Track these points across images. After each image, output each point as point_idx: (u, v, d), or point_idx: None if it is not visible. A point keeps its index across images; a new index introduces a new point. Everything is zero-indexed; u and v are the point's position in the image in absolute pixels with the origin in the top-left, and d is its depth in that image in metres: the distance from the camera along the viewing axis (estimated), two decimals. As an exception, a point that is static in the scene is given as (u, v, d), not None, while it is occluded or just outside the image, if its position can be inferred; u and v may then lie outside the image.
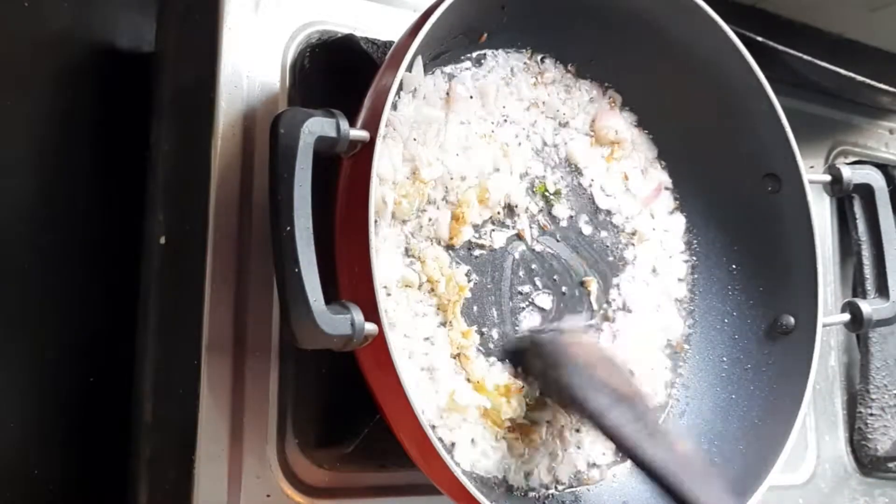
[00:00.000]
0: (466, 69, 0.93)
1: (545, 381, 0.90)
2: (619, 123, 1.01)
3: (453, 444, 0.86)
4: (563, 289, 0.96)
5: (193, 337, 0.83)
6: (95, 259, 0.94)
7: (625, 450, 0.85)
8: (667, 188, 1.04)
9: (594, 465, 0.96)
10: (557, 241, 0.96)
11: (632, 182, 1.02)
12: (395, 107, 0.87)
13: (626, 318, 1.00)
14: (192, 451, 0.81)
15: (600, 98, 1.01)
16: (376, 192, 0.79)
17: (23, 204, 0.91)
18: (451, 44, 0.90)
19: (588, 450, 0.95)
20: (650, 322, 1.01)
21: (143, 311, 0.91)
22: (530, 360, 0.90)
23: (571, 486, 0.94)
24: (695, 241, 1.05)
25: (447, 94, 0.91)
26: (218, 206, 0.84)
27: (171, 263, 0.89)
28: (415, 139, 0.87)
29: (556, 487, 0.93)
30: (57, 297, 0.92)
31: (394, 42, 0.83)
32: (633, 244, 1.01)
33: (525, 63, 0.97)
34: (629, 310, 1.00)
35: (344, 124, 0.75)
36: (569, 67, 1.00)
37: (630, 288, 1.00)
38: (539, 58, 0.98)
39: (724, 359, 1.02)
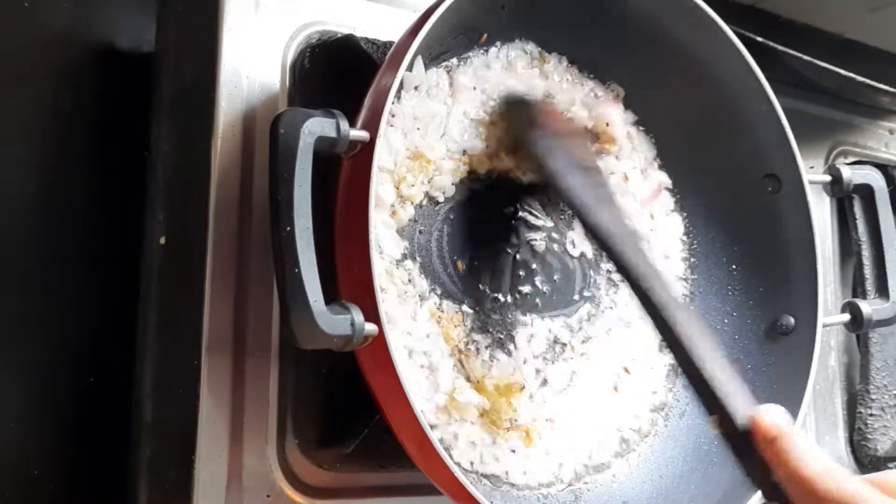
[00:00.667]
0: (467, 65, 0.93)
1: (516, 137, 0.92)
2: (614, 115, 1.01)
3: (453, 444, 0.86)
4: (564, 289, 0.96)
5: (193, 337, 0.83)
6: (95, 259, 0.94)
7: (576, 211, 0.88)
8: (666, 188, 1.04)
9: (594, 464, 0.95)
10: (557, 240, 0.96)
11: (631, 182, 1.02)
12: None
13: (625, 317, 1.00)
14: (192, 451, 0.81)
15: (602, 94, 1.01)
16: (376, 191, 0.79)
17: (23, 204, 0.91)
18: (450, 44, 0.90)
19: (588, 449, 0.95)
20: (649, 322, 1.01)
21: (143, 311, 0.90)
22: (510, 114, 0.93)
23: (571, 486, 0.93)
24: (695, 242, 1.05)
25: (450, 86, 0.91)
26: (218, 206, 0.84)
27: (171, 263, 0.88)
28: (418, 129, 0.87)
29: (555, 487, 0.92)
30: (57, 297, 0.92)
31: (394, 42, 0.83)
32: (632, 244, 1.01)
33: (526, 53, 0.97)
34: (628, 309, 1.00)
35: (344, 124, 0.76)
36: (569, 68, 1.00)
37: (629, 289, 1.00)
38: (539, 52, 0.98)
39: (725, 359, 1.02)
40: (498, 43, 0.95)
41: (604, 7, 0.95)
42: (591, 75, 1.01)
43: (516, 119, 0.92)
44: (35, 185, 0.92)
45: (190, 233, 0.85)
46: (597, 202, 0.87)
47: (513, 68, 0.96)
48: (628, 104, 1.03)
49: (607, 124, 1.01)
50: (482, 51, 0.94)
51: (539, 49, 0.98)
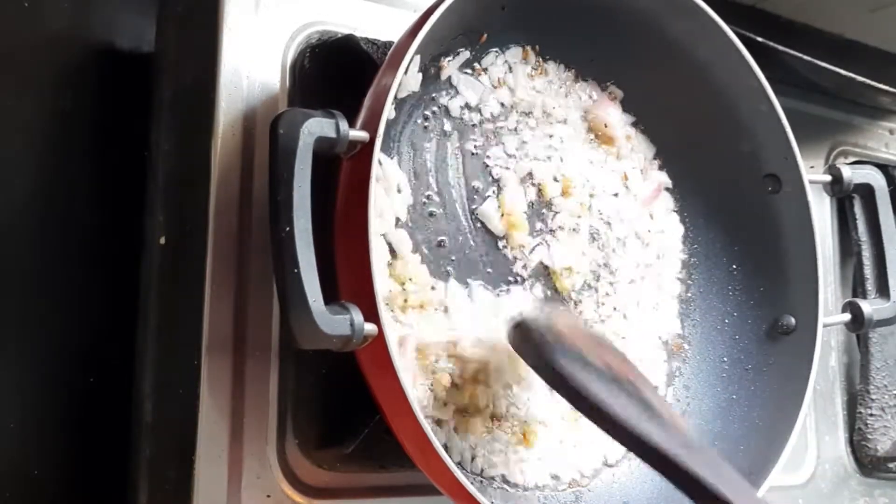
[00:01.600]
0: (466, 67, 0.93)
1: (535, 362, 0.82)
2: (613, 116, 1.01)
3: (453, 445, 0.86)
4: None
5: (193, 337, 0.82)
6: (95, 259, 0.94)
7: (618, 434, 0.77)
8: (666, 188, 1.04)
9: (594, 465, 0.96)
10: (555, 240, 0.96)
11: (631, 182, 1.02)
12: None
13: (624, 317, 1.00)
14: (192, 452, 0.81)
15: (600, 95, 1.01)
16: (376, 192, 0.79)
17: (23, 204, 0.91)
18: (451, 44, 0.90)
19: (588, 450, 0.95)
20: (649, 322, 1.02)
21: (143, 311, 0.90)
22: (519, 342, 0.84)
23: (571, 486, 0.94)
24: (695, 242, 1.05)
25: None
26: (218, 206, 0.84)
27: (171, 263, 0.88)
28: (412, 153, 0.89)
29: (556, 487, 0.93)
30: (57, 297, 0.92)
31: (394, 42, 0.83)
32: (631, 244, 1.01)
33: (523, 52, 0.97)
34: (627, 309, 1.00)
35: (343, 125, 0.76)
36: (569, 68, 1.00)
37: (628, 288, 1.00)
38: (537, 49, 0.98)
39: (725, 359, 1.02)
40: (495, 50, 0.95)
41: (604, 7, 0.95)
42: (590, 77, 1.01)
43: (526, 344, 0.83)
44: (35, 185, 0.92)
45: (190, 233, 0.85)
46: (638, 416, 0.77)
47: (514, 75, 0.96)
48: (627, 105, 1.03)
49: (605, 125, 1.01)
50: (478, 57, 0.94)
51: (537, 57, 0.97)
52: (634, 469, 0.97)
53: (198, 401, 0.81)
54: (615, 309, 0.99)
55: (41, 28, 0.93)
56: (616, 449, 0.97)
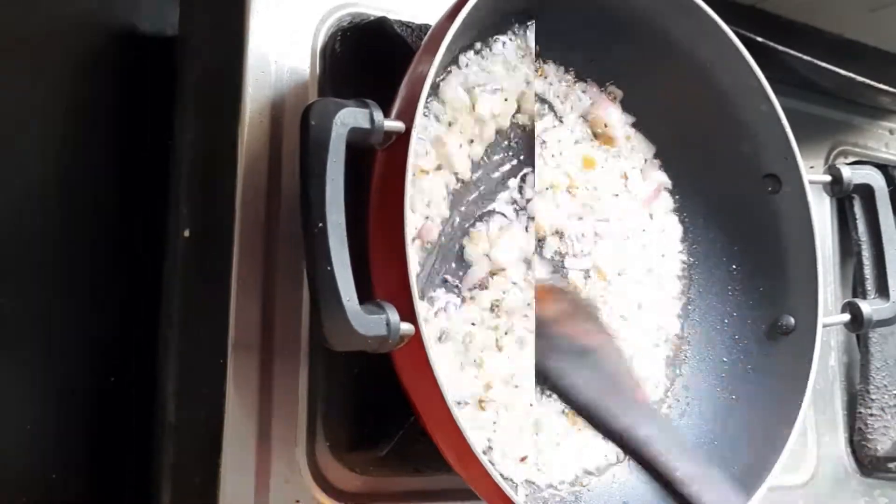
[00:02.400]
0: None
1: None
2: (613, 116, 1.01)
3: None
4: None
5: (219, 335, 0.81)
6: (116, 254, 0.92)
7: (591, 421, 0.86)
8: (666, 189, 1.04)
9: (594, 465, 0.95)
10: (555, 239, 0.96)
11: (631, 182, 1.02)
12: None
13: (624, 318, 1.00)
14: (217, 455, 0.80)
15: (598, 95, 1.01)
16: (412, 185, 0.77)
17: (41, 197, 0.89)
18: (490, 28, 0.89)
19: (589, 450, 0.95)
20: (649, 322, 1.01)
21: (167, 308, 0.88)
22: None
23: (571, 486, 0.93)
24: (695, 242, 1.05)
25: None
26: (245, 197, 0.83)
27: (195, 258, 0.86)
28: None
29: (556, 487, 0.92)
30: (76, 293, 0.90)
31: (430, 26, 0.81)
32: (630, 244, 1.01)
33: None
34: (627, 310, 1.00)
35: (378, 115, 0.74)
36: (569, 69, 1.00)
37: (627, 288, 1.00)
38: (537, 50, 0.97)
39: (725, 359, 1.02)
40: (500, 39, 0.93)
41: (604, 7, 0.95)
42: (590, 77, 1.01)
43: None
44: (55, 177, 0.90)
45: (215, 226, 0.84)
46: (604, 395, 0.86)
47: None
48: (627, 105, 1.03)
49: (605, 125, 1.00)
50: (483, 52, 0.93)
51: (537, 58, 0.97)
52: (634, 469, 0.97)
53: (224, 401, 0.80)
54: (615, 309, 0.99)
55: (59, 11, 0.92)
56: (615, 448, 0.96)
